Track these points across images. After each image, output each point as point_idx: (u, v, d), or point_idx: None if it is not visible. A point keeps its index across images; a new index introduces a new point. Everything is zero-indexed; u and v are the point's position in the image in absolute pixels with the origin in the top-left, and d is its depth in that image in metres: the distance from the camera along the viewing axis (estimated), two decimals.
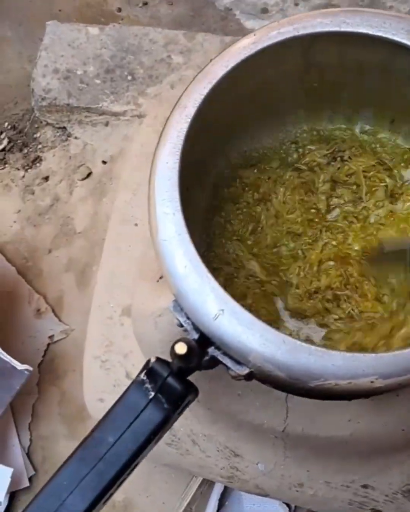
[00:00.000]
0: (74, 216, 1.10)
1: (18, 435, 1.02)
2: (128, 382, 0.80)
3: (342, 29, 0.49)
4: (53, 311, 1.06)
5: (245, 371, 0.47)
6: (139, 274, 0.73)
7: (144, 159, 0.85)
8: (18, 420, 1.03)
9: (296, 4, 1.09)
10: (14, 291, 1.07)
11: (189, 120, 0.48)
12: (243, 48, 0.49)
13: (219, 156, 0.62)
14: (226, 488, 0.93)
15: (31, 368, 0.94)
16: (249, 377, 0.48)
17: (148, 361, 0.48)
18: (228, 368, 0.48)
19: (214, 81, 0.48)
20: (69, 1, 1.18)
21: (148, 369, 0.47)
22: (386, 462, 0.72)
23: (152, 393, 0.47)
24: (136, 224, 0.84)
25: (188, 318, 0.48)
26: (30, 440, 1.02)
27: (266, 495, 0.79)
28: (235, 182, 0.64)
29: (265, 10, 1.10)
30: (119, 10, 1.16)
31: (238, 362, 0.47)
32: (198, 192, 0.62)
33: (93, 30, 1.07)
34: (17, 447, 1.02)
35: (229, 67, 0.49)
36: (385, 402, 0.63)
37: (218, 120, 0.53)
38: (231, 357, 0.47)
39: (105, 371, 0.83)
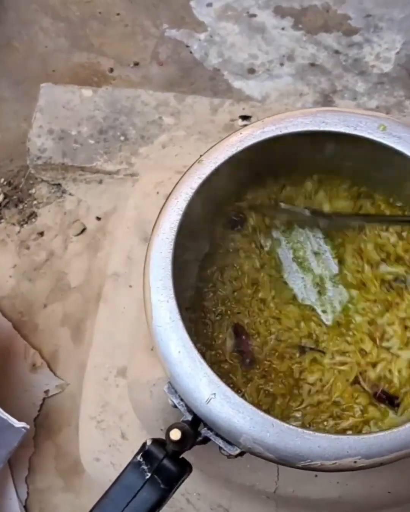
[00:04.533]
0: (68, 271, 1.12)
1: (16, 489, 1.03)
2: (123, 442, 0.83)
3: (321, 129, 0.52)
4: (48, 365, 1.07)
5: (236, 451, 0.50)
6: (134, 341, 0.76)
7: (137, 222, 0.89)
8: (15, 473, 1.04)
9: (281, 64, 1.13)
10: (10, 345, 1.09)
11: (181, 212, 0.52)
12: (230, 146, 0.53)
13: (207, 231, 0.66)
14: None
15: (28, 426, 0.95)
16: (241, 455, 0.51)
17: (145, 443, 0.51)
18: (220, 447, 0.51)
19: (203, 176, 0.52)
20: (63, 62, 1.22)
21: (145, 451, 0.50)
22: None
23: (149, 474, 0.49)
24: (130, 286, 0.87)
25: (182, 400, 0.51)
26: (27, 493, 1.03)
27: None
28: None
29: (251, 70, 1.14)
30: (111, 70, 1.20)
31: (229, 443, 0.50)
32: (191, 263, 0.65)
33: (87, 92, 1.10)
34: (14, 501, 1.03)
35: (217, 164, 0.52)
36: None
37: (205, 207, 0.56)
38: (222, 438, 0.50)
39: (101, 431, 0.85)
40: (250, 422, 0.48)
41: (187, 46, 1.17)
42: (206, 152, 0.53)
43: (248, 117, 1.02)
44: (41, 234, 1.15)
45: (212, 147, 0.53)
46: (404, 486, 0.67)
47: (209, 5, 1.15)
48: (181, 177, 0.53)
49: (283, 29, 1.11)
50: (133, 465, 0.50)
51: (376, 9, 1.06)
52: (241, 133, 0.52)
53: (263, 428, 0.47)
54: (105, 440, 0.83)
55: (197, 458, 0.69)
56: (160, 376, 0.67)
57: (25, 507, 1.03)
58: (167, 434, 0.47)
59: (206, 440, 0.52)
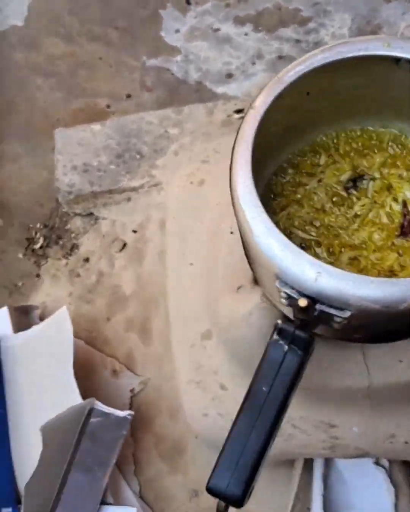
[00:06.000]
0: (121, 284, 1.24)
1: (128, 483, 1.13)
2: (224, 393, 0.95)
3: (340, 57, 0.68)
4: (127, 367, 1.19)
5: (347, 314, 0.63)
6: (214, 296, 0.90)
7: (180, 209, 1.03)
8: (124, 471, 1.13)
9: (253, 64, 1.30)
10: (88, 360, 1.20)
11: (250, 149, 0.66)
12: (273, 89, 0.68)
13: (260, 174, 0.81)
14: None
15: (132, 412, 1.06)
16: (349, 321, 0.64)
17: (276, 324, 0.64)
18: (333, 317, 0.64)
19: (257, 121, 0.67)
20: (63, 111, 1.37)
21: (278, 329, 0.63)
22: None
23: (287, 346, 0.63)
24: (191, 264, 1.00)
25: (293, 288, 0.64)
26: (139, 485, 1.12)
27: (366, 455, 0.93)
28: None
29: (229, 75, 1.30)
30: (108, 106, 1.35)
31: (340, 309, 0.63)
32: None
33: (96, 127, 1.26)
34: (130, 495, 1.12)
35: (268, 104, 0.67)
36: None
37: (259, 146, 0.71)
38: (334, 307, 0.63)
39: (201, 390, 0.96)
40: (353, 284, 0.61)
41: (168, 70, 1.33)
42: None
43: (241, 110, 1.18)
44: (87, 260, 1.28)
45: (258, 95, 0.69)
46: None
47: (177, 31, 1.32)
48: (240, 128, 0.68)
49: (246, 34, 1.28)
50: (272, 343, 0.63)
51: None
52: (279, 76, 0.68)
53: (366, 286, 0.61)
54: (207, 395, 0.95)
55: None
56: (253, 306, 0.81)
57: (141, 498, 1.13)
58: (296, 305, 0.60)
59: (320, 319, 0.65)
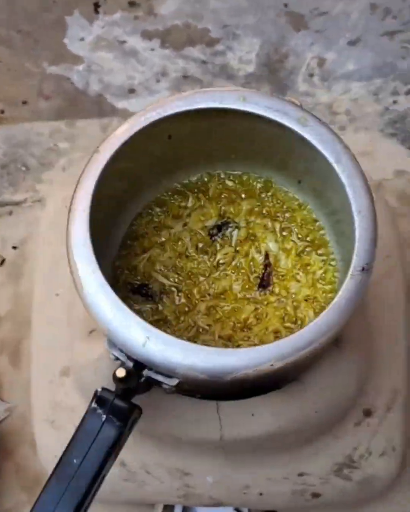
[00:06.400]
0: None
1: None
2: None
3: (194, 107, 0.63)
4: None
5: (174, 382, 0.59)
6: (71, 334, 0.85)
7: (52, 236, 0.97)
8: None
9: (158, 81, 1.24)
10: None
11: (90, 197, 0.61)
12: (121, 134, 0.63)
13: (122, 214, 0.76)
14: None
15: None
16: (179, 386, 0.60)
17: (96, 391, 0.59)
18: (161, 383, 0.60)
19: (101, 166, 0.62)
20: None
21: (97, 398, 0.59)
22: (313, 449, 0.84)
23: (104, 416, 0.58)
24: (57, 294, 0.95)
25: (122, 351, 0.59)
26: None
27: (220, 504, 0.89)
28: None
29: (131, 90, 1.25)
30: (2, 112, 1.28)
31: (168, 376, 0.59)
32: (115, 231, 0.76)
33: None
34: None
35: (113, 151, 0.62)
36: (295, 392, 0.76)
37: (115, 188, 0.66)
38: (161, 374, 0.59)
39: (56, 430, 0.91)
40: (181, 353, 0.57)
41: (68, 79, 1.27)
42: (100, 144, 0.63)
43: None
44: None
45: (105, 139, 0.63)
46: (326, 404, 0.78)
47: (81, 39, 1.25)
48: (83, 169, 0.62)
49: (152, 50, 1.23)
50: (90, 412, 0.58)
51: (231, 19, 1.19)
52: (128, 123, 0.63)
53: (194, 355, 0.56)
54: (61, 436, 0.89)
55: (147, 424, 0.78)
56: (102, 353, 0.76)
57: None
58: (114, 374, 0.56)
59: (148, 384, 0.61)
